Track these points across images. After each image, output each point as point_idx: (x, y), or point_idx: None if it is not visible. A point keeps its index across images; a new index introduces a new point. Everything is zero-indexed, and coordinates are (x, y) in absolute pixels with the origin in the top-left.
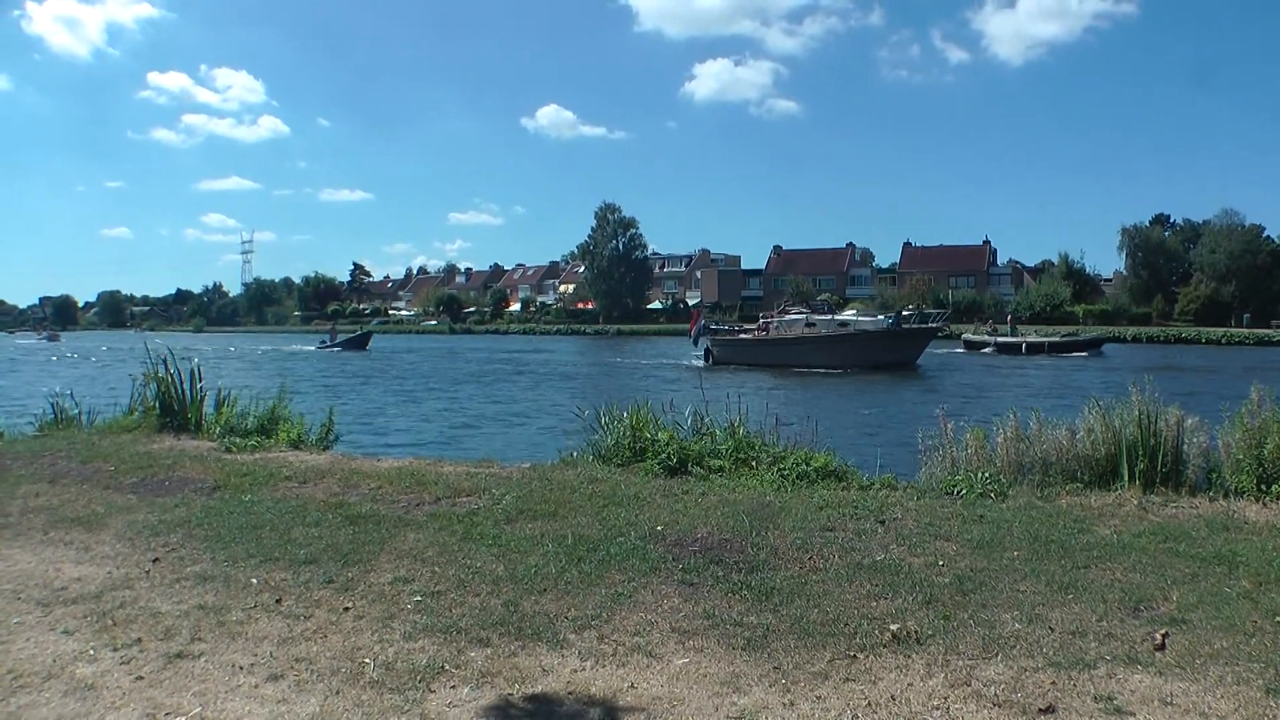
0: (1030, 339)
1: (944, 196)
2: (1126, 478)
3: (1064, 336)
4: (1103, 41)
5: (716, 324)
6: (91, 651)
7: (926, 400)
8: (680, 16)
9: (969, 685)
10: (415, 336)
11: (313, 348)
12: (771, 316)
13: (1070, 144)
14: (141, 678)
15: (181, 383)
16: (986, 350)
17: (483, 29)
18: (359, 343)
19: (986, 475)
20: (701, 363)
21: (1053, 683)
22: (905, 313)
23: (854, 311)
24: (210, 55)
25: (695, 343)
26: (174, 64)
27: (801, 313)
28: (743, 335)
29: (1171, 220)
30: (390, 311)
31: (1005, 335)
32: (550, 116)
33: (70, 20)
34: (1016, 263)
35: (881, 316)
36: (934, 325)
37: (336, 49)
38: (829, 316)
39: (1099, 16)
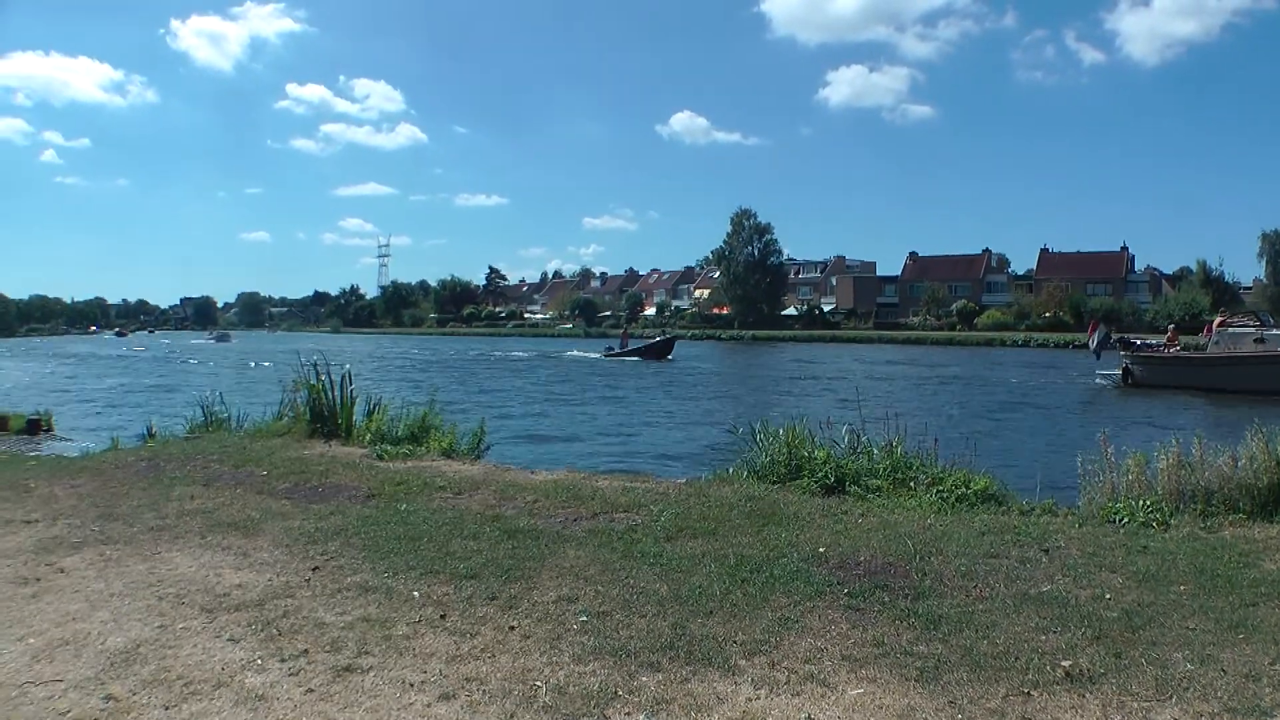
0: None
1: (1080, 201)
2: None
3: None
4: (1242, 39)
5: (1128, 336)
6: (259, 661)
7: None
8: (813, 23)
9: None
10: (552, 340)
11: (596, 355)
12: (1209, 330)
13: (1209, 146)
14: (312, 690)
15: (332, 389)
16: None
17: (616, 36)
18: (660, 350)
19: (1148, 503)
20: (1114, 383)
21: None
22: None
23: None
24: (349, 66)
25: (1098, 355)
26: (313, 75)
27: (1247, 325)
28: (1174, 352)
29: None
30: (525, 315)
31: None
32: (684, 123)
33: (214, 35)
34: (1154, 270)
35: None
36: None
37: (473, 58)
38: None
39: (1238, 13)
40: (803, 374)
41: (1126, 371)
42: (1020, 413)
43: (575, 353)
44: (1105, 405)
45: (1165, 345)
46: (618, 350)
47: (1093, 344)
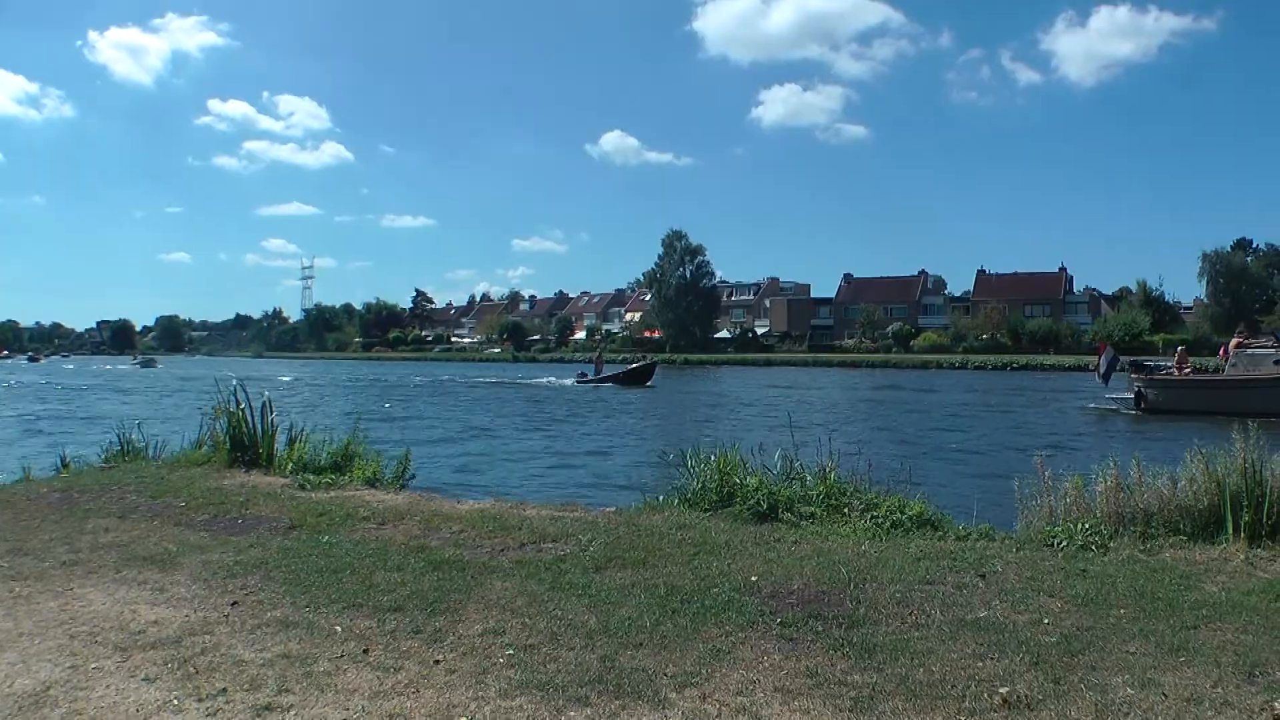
0: None
1: (1018, 222)
2: (1231, 530)
3: None
4: (1180, 60)
5: (1141, 359)
6: (176, 701)
7: None
8: (746, 41)
9: None
10: (480, 365)
11: (569, 381)
12: (1225, 352)
13: (1148, 167)
14: None
15: (252, 416)
16: None
17: (546, 55)
18: (639, 376)
19: (1087, 526)
20: (1128, 409)
21: None
22: None
23: None
24: (273, 82)
25: (1105, 380)
26: (236, 91)
27: (1266, 346)
28: (1186, 374)
29: (1254, 245)
30: (453, 339)
31: None
32: (614, 143)
33: (134, 48)
34: (1093, 290)
35: None
36: None
37: (400, 76)
38: None
39: (1176, 34)
40: (767, 398)
41: (1139, 396)
42: (1037, 445)
43: (548, 380)
44: (1124, 432)
45: (1175, 367)
46: (592, 376)
47: (1101, 368)
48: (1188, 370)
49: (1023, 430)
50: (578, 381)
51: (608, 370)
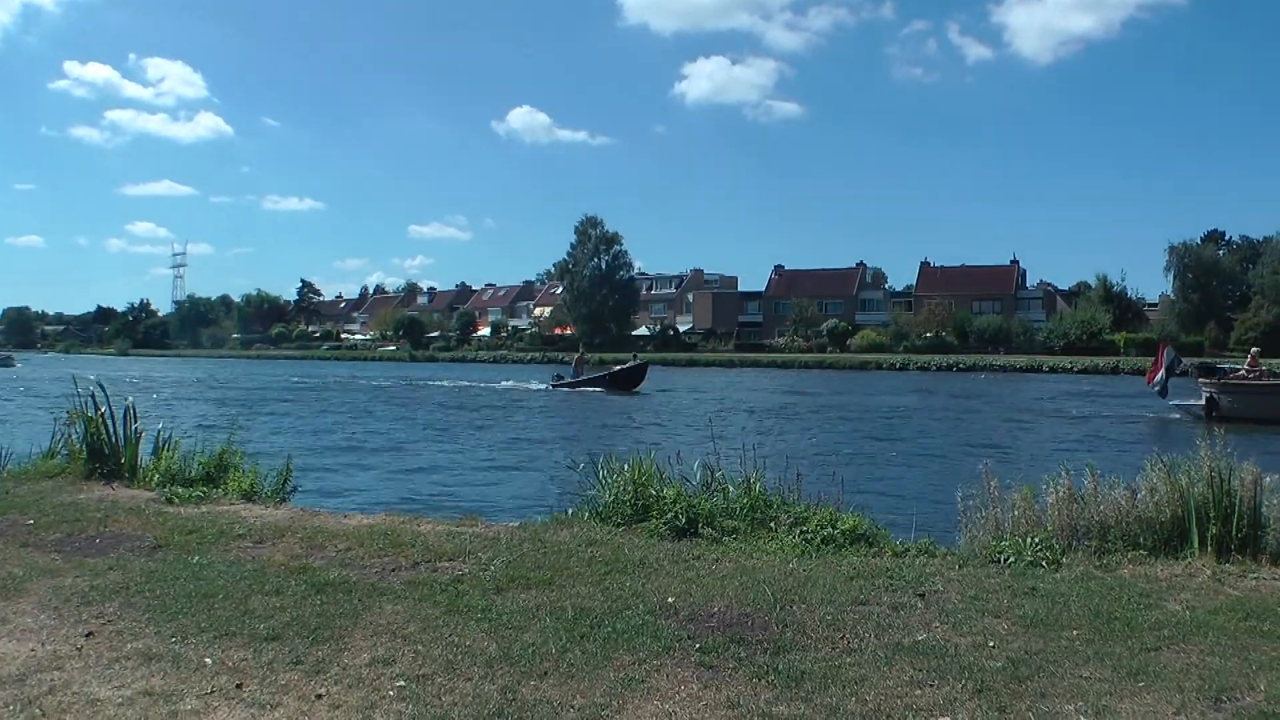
0: None
1: (965, 211)
2: (1196, 544)
3: None
4: (1145, 37)
5: (1208, 361)
6: None
7: None
8: (670, 9)
9: None
10: (375, 364)
11: (536, 384)
12: None
13: (1109, 153)
14: None
15: (113, 422)
16: None
17: (449, 22)
18: (628, 379)
19: (1037, 540)
20: (1194, 416)
21: None
22: None
23: None
24: (141, 43)
25: (1163, 388)
26: (97, 53)
27: None
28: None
29: (1227, 237)
30: (343, 335)
31: None
32: (523, 119)
33: None
34: (1048, 285)
35: None
36: None
37: (286, 39)
38: None
39: (1143, 9)
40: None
41: (1211, 402)
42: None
43: (509, 383)
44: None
45: (1247, 370)
46: (570, 379)
47: (1159, 375)
48: (1261, 370)
49: (1087, 445)
50: (553, 385)
51: (589, 373)
